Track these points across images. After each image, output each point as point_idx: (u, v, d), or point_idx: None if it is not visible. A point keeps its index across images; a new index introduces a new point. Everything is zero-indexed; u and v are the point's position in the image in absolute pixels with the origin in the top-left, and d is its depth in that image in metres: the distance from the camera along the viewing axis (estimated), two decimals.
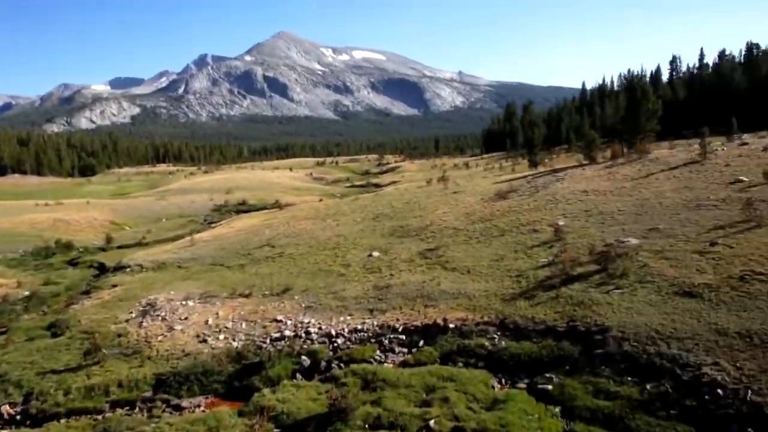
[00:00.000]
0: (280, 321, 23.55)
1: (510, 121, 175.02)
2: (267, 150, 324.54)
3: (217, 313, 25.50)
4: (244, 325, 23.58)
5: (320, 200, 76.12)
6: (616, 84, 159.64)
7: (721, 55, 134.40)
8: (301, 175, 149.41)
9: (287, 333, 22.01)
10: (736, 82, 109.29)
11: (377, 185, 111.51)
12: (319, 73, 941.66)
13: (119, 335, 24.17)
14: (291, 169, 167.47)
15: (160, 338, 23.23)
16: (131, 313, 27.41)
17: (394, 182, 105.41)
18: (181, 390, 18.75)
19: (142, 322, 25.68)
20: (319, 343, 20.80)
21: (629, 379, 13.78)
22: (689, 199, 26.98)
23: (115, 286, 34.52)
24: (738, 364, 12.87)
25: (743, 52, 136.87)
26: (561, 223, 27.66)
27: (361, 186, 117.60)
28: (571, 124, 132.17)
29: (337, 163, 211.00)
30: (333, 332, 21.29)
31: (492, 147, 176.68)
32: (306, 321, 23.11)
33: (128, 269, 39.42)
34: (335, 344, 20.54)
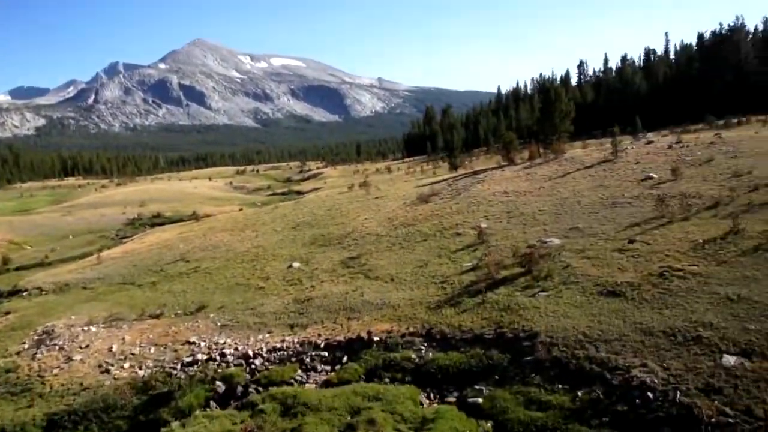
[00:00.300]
0: (193, 343, 21.74)
1: (430, 124, 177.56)
2: (185, 160, 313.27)
3: (123, 338, 23.27)
4: (152, 350, 21.58)
5: (240, 210, 73.50)
6: (529, 88, 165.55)
7: (623, 59, 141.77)
8: (221, 185, 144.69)
9: (200, 356, 20.26)
10: (637, 85, 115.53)
11: (299, 192, 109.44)
12: (238, 80, 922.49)
13: (7, 371, 21.51)
14: (210, 179, 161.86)
15: (55, 371, 20.82)
16: (24, 343, 24.63)
17: (316, 189, 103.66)
18: (77, 431, 16.67)
19: (36, 353, 23.06)
20: (236, 365, 19.23)
21: (560, 386, 13.27)
22: (605, 197, 27.41)
23: (8, 313, 31.14)
24: (665, 364, 12.62)
25: (642, 57, 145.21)
26: (484, 225, 27.38)
27: (283, 194, 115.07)
28: (489, 127, 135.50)
29: (257, 171, 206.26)
30: (250, 353, 19.76)
31: (413, 151, 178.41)
32: (221, 342, 21.43)
33: (25, 293, 35.88)
34: (253, 366, 19.04)
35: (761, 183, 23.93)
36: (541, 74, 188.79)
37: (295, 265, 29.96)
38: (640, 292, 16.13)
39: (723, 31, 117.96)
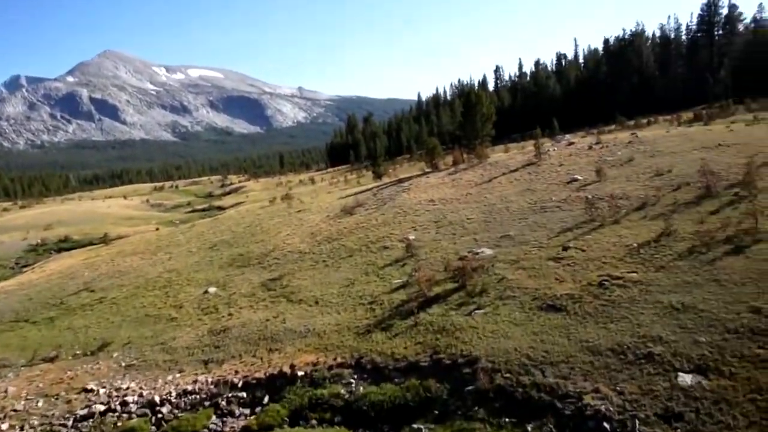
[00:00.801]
0: (91, 391, 18.94)
1: (352, 133, 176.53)
2: (99, 178, 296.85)
3: (5, 391, 20.04)
4: (41, 403, 18.60)
5: (156, 229, 69.10)
6: (449, 93, 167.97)
7: (537, 64, 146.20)
8: (137, 203, 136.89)
9: (98, 407, 17.57)
10: (551, 89, 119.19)
11: (220, 208, 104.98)
12: (153, 93, 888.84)
13: None
14: (125, 197, 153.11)
15: None
16: None
17: (238, 203, 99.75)
18: None
19: None
20: (139, 415, 16.73)
21: (507, 420, 11.88)
22: (533, 202, 26.72)
23: None
24: (618, 388, 11.49)
25: (554, 62, 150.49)
26: (412, 237, 26.01)
27: (203, 210, 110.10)
28: (411, 134, 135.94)
29: (177, 187, 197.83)
30: (157, 399, 17.29)
31: (337, 160, 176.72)
32: (124, 386, 18.78)
33: None
34: (159, 415, 16.59)
35: (682, 182, 23.86)
36: (459, 80, 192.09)
37: (212, 290, 27.45)
38: (582, 305, 15.10)
39: (626, 37, 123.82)
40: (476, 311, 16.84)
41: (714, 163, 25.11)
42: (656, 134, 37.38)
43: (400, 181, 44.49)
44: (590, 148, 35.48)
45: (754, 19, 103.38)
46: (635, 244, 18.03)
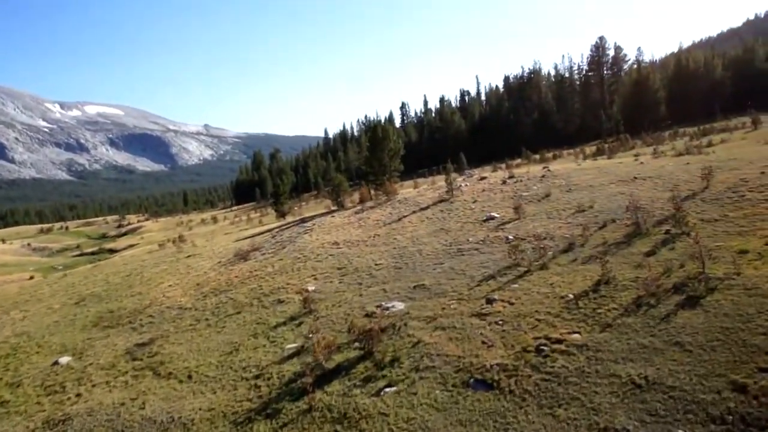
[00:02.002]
0: None
1: (258, 170, 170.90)
2: None
3: None
4: None
5: (31, 278, 61.00)
6: (356, 129, 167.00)
7: (441, 100, 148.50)
8: (16, 247, 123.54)
9: None
10: (456, 124, 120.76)
11: (112, 250, 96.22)
12: (46, 130, 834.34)
13: None
14: (3, 241, 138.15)
15: None
16: None
17: (131, 246, 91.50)
18: None
19: None
20: None
21: None
22: (449, 243, 23.79)
23: None
24: None
25: (458, 98, 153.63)
26: (311, 287, 22.21)
27: (92, 253, 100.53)
28: (318, 170, 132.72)
29: (67, 228, 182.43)
30: None
31: (243, 198, 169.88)
32: None
33: None
34: None
35: (608, 218, 21.81)
36: (366, 116, 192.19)
37: (64, 360, 22.14)
38: (519, 380, 11.87)
39: (525, 75, 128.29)
40: (387, 389, 13.21)
41: (635, 198, 23.34)
42: (568, 168, 36.11)
43: (303, 220, 40.70)
44: (504, 182, 33.46)
45: (637, 60, 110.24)
46: (571, 296, 15.22)
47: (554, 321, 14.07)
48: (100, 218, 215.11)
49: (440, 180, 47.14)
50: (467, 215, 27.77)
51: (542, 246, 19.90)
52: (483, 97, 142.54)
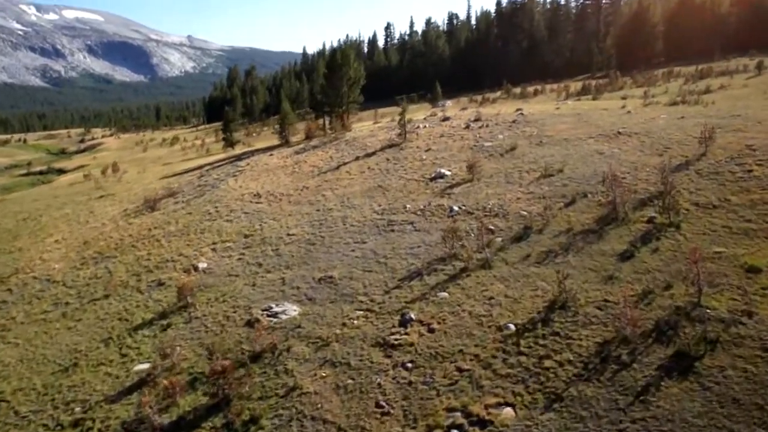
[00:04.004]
0: None
1: (232, 87, 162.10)
2: None
3: None
4: None
5: None
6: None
7: (428, 23, 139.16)
8: None
9: None
10: (441, 49, 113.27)
11: (61, 171, 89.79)
12: (20, 33, 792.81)
13: None
14: None
15: None
16: None
17: (81, 167, 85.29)
18: None
19: None
20: None
21: None
22: (382, 210, 19.10)
23: None
24: None
25: (446, 22, 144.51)
26: (202, 265, 17.63)
27: (40, 173, 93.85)
28: (291, 91, 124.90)
29: (25, 141, 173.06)
30: None
31: (214, 116, 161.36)
32: None
33: None
34: None
35: (578, 190, 17.14)
36: (347, 35, 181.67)
37: None
38: None
39: (518, 0, 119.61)
40: None
41: (617, 162, 18.68)
42: (545, 111, 30.98)
43: (240, 157, 35.56)
44: (467, 127, 28.39)
45: None
46: (512, 326, 10.78)
47: (482, 376, 9.64)
48: (64, 131, 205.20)
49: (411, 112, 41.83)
50: (414, 169, 22.94)
51: (490, 227, 15.31)
52: (473, 22, 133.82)
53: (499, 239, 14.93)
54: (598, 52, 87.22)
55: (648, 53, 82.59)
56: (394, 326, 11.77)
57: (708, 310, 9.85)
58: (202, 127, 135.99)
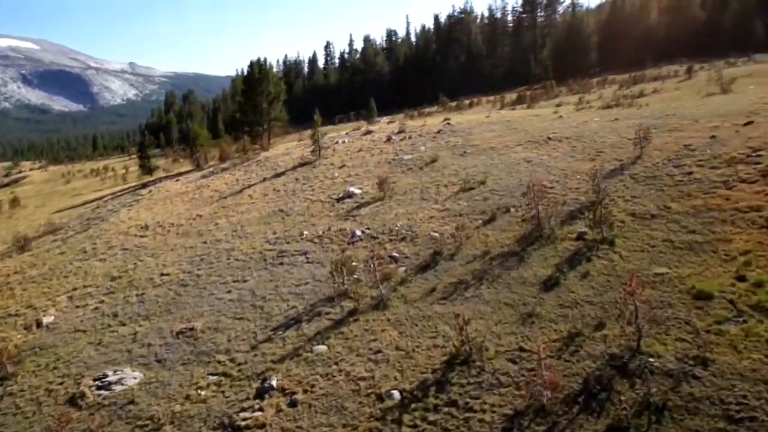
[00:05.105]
0: None
1: (168, 113, 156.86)
2: None
3: None
4: None
5: None
6: (275, 70, 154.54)
7: (366, 40, 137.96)
8: None
9: None
10: (380, 66, 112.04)
11: None
12: None
13: None
14: None
15: None
16: None
17: None
18: None
19: None
20: None
21: None
22: (275, 239, 16.15)
23: None
24: None
25: (384, 39, 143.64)
26: (49, 318, 14.26)
27: None
28: (228, 114, 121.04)
29: None
30: None
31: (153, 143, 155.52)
32: None
33: None
34: None
35: (500, 204, 14.63)
36: (286, 56, 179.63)
37: None
38: None
39: (455, 14, 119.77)
40: None
41: (545, 170, 16.35)
42: (474, 121, 28.78)
43: (145, 185, 31.98)
44: (388, 140, 25.85)
45: (572, 3, 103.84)
46: (396, 394, 7.98)
47: None
48: None
49: (348, 128, 39.20)
50: (323, 189, 20.11)
51: (393, 257, 12.55)
52: (413, 38, 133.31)
53: (402, 269, 12.18)
54: (535, 64, 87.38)
55: (583, 63, 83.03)
56: (248, 398, 8.78)
57: (651, 359, 7.29)
58: (137, 155, 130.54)
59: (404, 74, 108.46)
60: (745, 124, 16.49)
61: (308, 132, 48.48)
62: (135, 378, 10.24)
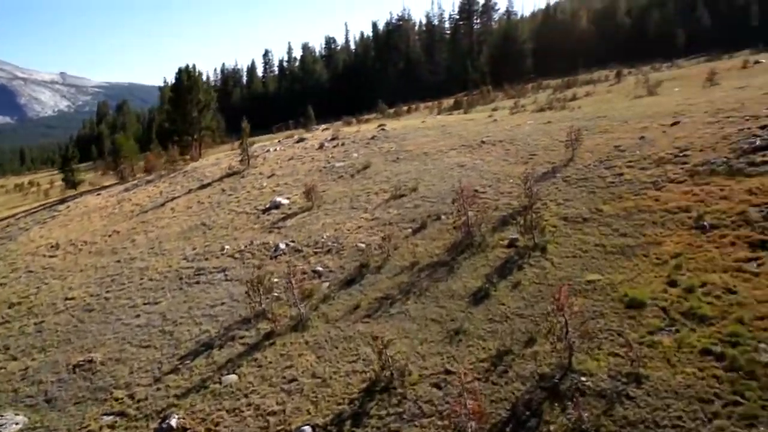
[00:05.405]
0: None
1: (100, 124, 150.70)
2: None
3: None
4: None
5: None
6: (212, 78, 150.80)
7: (305, 48, 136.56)
8: None
9: None
10: (318, 74, 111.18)
11: None
12: None
13: None
14: None
15: None
16: None
17: None
18: None
19: None
20: None
21: None
22: (194, 255, 14.99)
23: None
24: None
25: (323, 46, 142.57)
26: None
27: None
28: (160, 125, 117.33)
29: None
30: None
31: (85, 156, 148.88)
32: None
33: None
34: None
35: (431, 211, 14.03)
36: (223, 64, 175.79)
37: None
38: None
39: (393, 22, 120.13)
40: None
41: (478, 174, 15.89)
42: (410, 126, 28.29)
43: (64, 200, 29.88)
44: (321, 147, 24.99)
45: (507, 11, 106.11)
46: (307, 431, 7.01)
47: None
48: None
49: (281, 137, 37.96)
50: (249, 200, 19.04)
51: (317, 271, 11.68)
52: (352, 46, 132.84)
53: (326, 285, 11.32)
54: (472, 70, 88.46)
55: (519, 69, 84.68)
56: None
57: (583, 378, 6.70)
58: (60, 169, 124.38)
59: (344, 82, 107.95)
60: (672, 125, 16.52)
61: (252, 140, 47.09)
62: (17, 423, 8.96)
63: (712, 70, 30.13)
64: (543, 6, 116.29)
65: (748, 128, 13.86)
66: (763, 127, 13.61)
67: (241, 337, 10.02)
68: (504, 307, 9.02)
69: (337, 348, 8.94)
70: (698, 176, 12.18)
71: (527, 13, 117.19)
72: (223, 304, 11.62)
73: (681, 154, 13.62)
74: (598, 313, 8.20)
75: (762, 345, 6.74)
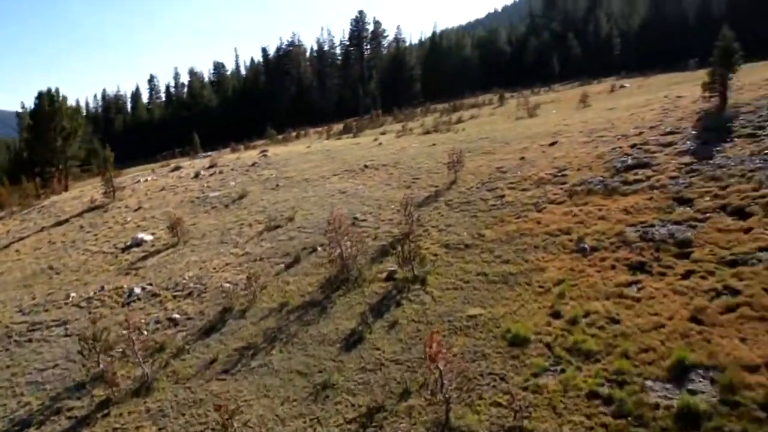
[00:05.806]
0: None
1: None
2: None
3: None
4: None
5: None
6: (91, 105, 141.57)
7: (191, 73, 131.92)
8: None
9: None
10: (207, 100, 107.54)
11: None
12: None
13: None
14: None
15: None
16: None
17: None
18: None
19: None
20: None
21: None
22: (30, 309, 12.82)
23: None
24: None
25: (212, 71, 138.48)
26: None
27: None
28: (18, 154, 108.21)
29: None
30: None
31: None
32: None
33: None
34: None
35: (306, 243, 12.93)
36: (104, 90, 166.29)
37: None
38: None
39: (283, 47, 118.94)
40: None
41: (359, 200, 14.99)
42: (292, 152, 27.11)
43: None
44: (196, 176, 23.16)
45: (396, 38, 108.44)
46: None
47: None
48: None
49: (160, 165, 35.23)
50: (108, 237, 16.93)
51: (172, 319, 10.07)
52: (243, 71, 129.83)
53: (182, 335, 9.78)
54: (363, 95, 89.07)
55: (409, 94, 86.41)
56: None
57: None
58: None
59: (234, 107, 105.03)
60: (550, 145, 16.54)
61: (129, 171, 43.67)
62: None
63: (585, 93, 31.60)
64: (429, 34, 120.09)
65: (620, 147, 13.98)
66: (633, 146, 13.77)
67: (69, 409, 8.25)
68: (378, 352, 7.99)
69: (183, 416, 7.47)
70: (577, 196, 11.95)
71: (415, 41, 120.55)
72: (56, 366, 9.72)
73: (560, 174, 13.45)
74: (480, 354, 7.38)
75: (648, 382, 6.15)
